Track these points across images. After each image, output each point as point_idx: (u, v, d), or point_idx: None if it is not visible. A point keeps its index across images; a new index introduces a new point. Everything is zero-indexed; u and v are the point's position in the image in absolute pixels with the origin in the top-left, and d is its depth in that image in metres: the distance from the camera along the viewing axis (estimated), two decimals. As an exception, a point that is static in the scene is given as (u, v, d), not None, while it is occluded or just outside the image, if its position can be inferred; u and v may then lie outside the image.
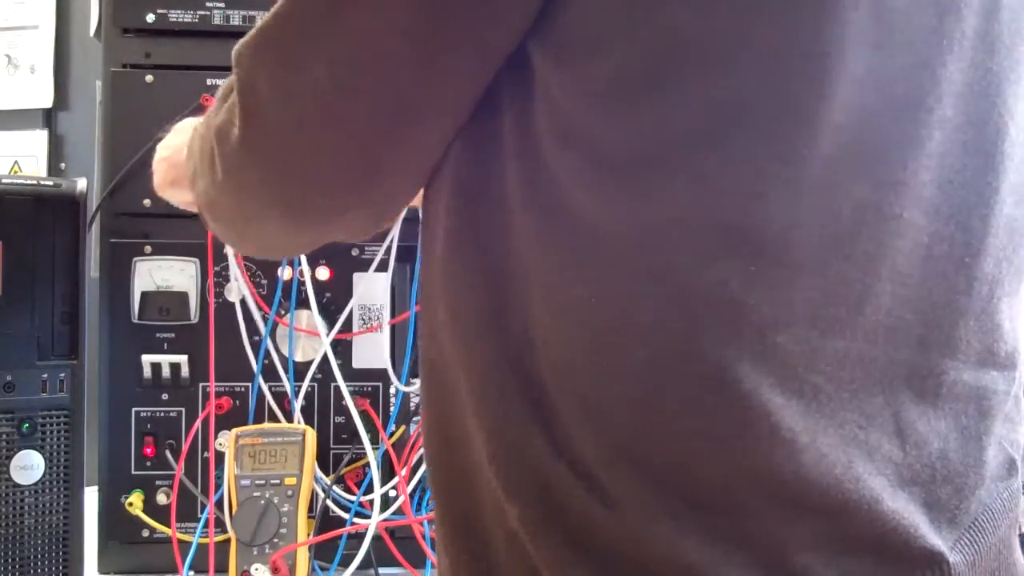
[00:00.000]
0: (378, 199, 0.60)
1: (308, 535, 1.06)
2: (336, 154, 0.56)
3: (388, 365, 1.10)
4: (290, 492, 1.04)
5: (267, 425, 1.08)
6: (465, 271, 0.55)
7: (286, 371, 1.10)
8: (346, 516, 1.09)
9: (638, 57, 0.48)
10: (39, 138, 1.55)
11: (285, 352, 1.10)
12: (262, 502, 1.03)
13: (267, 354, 1.09)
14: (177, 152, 0.82)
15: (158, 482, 1.10)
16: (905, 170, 0.50)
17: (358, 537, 1.07)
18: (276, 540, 1.03)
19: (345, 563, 1.06)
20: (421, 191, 0.61)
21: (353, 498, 1.08)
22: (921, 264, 0.52)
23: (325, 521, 1.09)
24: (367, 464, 1.11)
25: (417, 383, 1.10)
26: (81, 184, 0.98)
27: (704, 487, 0.49)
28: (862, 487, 0.50)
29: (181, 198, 0.84)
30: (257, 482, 1.04)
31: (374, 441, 1.12)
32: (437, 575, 0.61)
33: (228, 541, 1.04)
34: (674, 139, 0.48)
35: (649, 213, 0.49)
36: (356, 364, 1.12)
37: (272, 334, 1.09)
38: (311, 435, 1.07)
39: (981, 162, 0.54)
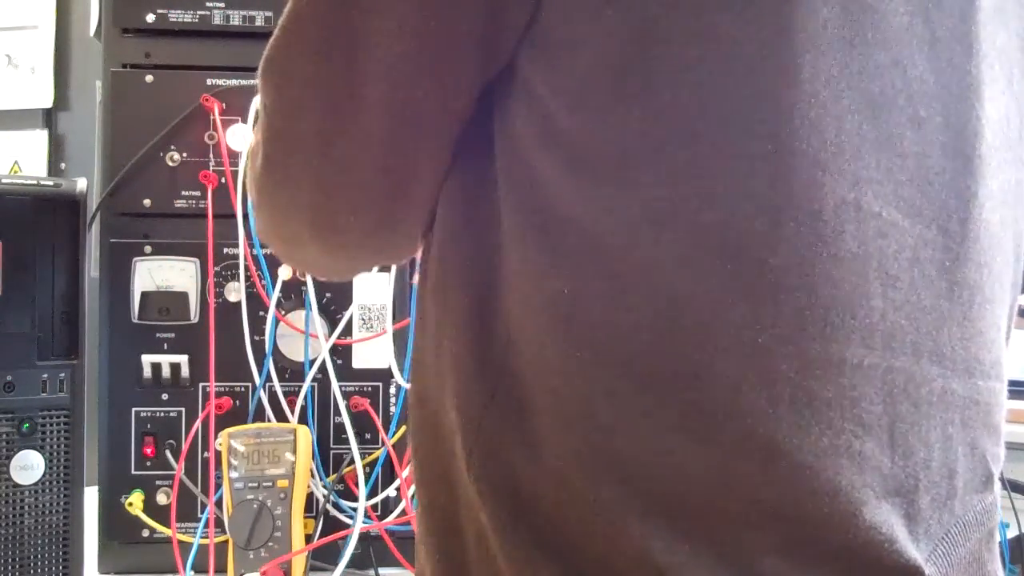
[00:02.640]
0: (398, 218, 0.58)
1: (304, 536, 1.06)
2: (352, 170, 0.55)
3: (392, 362, 1.10)
4: (283, 495, 1.04)
5: (259, 425, 1.08)
6: (457, 274, 0.56)
7: (287, 372, 1.10)
8: (345, 516, 1.09)
9: (611, 53, 0.48)
10: (39, 138, 1.55)
11: (283, 351, 1.10)
12: (255, 505, 1.03)
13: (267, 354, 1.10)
14: None
15: (158, 482, 1.10)
16: (877, 168, 0.50)
17: (360, 536, 1.07)
18: (271, 544, 1.03)
19: (343, 563, 1.06)
20: None
21: (353, 503, 1.08)
22: (909, 268, 0.52)
23: (325, 521, 1.09)
24: (367, 465, 1.11)
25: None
26: (81, 184, 0.98)
27: (677, 487, 0.49)
28: (840, 499, 0.49)
29: None
30: (250, 484, 1.04)
31: (374, 442, 1.12)
32: (416, 569, 0.61)
33: (228, 542, 1.04)
34: (648, 137, 0.48)
35: (627, 213, 0.49)
36: (356, 364, 1.12)
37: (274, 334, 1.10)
38: (304, 434, 1.06)
39: (960, 165, 0.53)
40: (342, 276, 0.72)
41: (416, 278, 0.61)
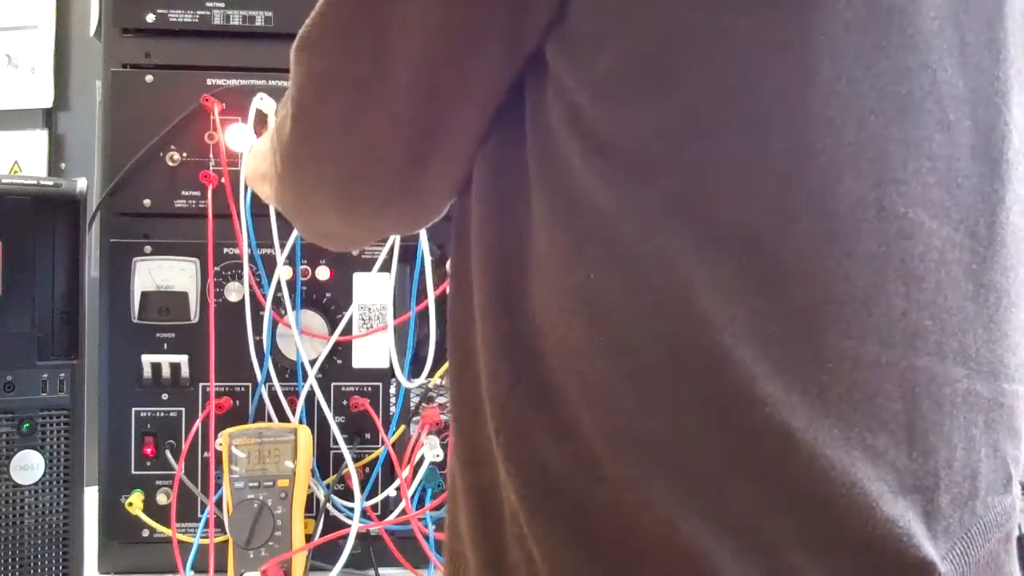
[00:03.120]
0: (421, 188, 0.61)
1: (304, 535, 1.06)
2: (377, 146, 0.58)
3: (394, 361, 1.10)
4: (283, 494, 1.04)
5: (260, 425, 1.08)
6: (488, 253, 0.57)
7: (288, 371, 1.10)
8: (344, 516, 1.09)
9: (635, 50, 0.49)
10: (39, 138, 1.55)
11: (283, 351, 1.10)
12: (255, 504, 1.03)
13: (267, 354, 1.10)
14: (262, 152, 0.85)
15: (158, 482, 1.10)
16: (905, 169, 0.51)
17: (360, 536, 1.07)
18: (272, 544, 1.03)
19: (341, 562, 1.06)
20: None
21: (350, 504, 1.08)
22: (936, 269, 0.52)
23: (327, 521, 1.09)
24: (367, 465, 1.11)
25: (417, 381, 1.10)
26: (81, 184, 0.98)
27: (698, 470, 0.50)
28: (857, 490, 0.50)
29: (264, 190, 0.86)
30: (251, 484, 1.04)
31: (374, 442, 1.12)
32: (448, 548, 0.62)
33: (228, 542, 1.04)
34: (668, 132, 0.49)
35: (646, 202, 0.50)
36: (356, 364, 1.12)
37: (273, 334, 1.10)
38: (304, 434, 1.06)
39: (987, 169, 0.54)
40: (356, 245, 0.76)
41: (450, 258, 0.63)
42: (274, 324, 1.09)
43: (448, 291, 0.63)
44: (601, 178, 0.51)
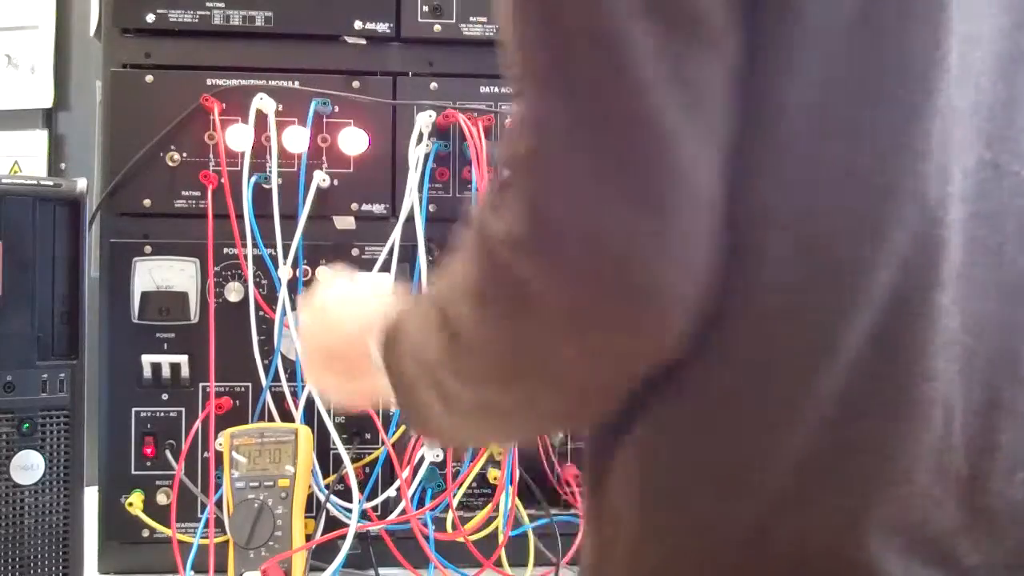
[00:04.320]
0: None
1: (305, 535, 1.06)
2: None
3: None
4: (284, 494, 1.04)
5: (260, 425, 1.08)
6: None
7: (288, 371, 1.10)
8: (344, 516, 1.09)
9: (762, 24, 0.48)
10: (39, 138, 1.55)
11: (282, 351, 1.10)
12: (256, 504, 1.03)
13: (267, 355, 1.09)
14: (343, 343, 0.70)
15: (158, 482, 1.10)
16: (1012, 127, 0.52)
17: (360, 536, 1.07)
18: (272, 543, 1.03)
19: (338, 562, 1.06)
20: None
21: (349, 504, 1.08)
22: None
23: (328, 522, 1.09)
24: (367, 465, 1.11)
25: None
26: (81, 184, 0.98)
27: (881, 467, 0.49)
28: (1000, 454, 0.51)
29: (345, 388, 0.75)
30: (251, 483, 1.04)
31: (374, 442, 1.12)
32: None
33: (228, 542, 1.04)
34: (833, 96, 0.48)
35: (780, 166, 0.49)
36: (356, 364, 1.12)
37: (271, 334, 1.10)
38: (305, 434, 1.06)
39: None
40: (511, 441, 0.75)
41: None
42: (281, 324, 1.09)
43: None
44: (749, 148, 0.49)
